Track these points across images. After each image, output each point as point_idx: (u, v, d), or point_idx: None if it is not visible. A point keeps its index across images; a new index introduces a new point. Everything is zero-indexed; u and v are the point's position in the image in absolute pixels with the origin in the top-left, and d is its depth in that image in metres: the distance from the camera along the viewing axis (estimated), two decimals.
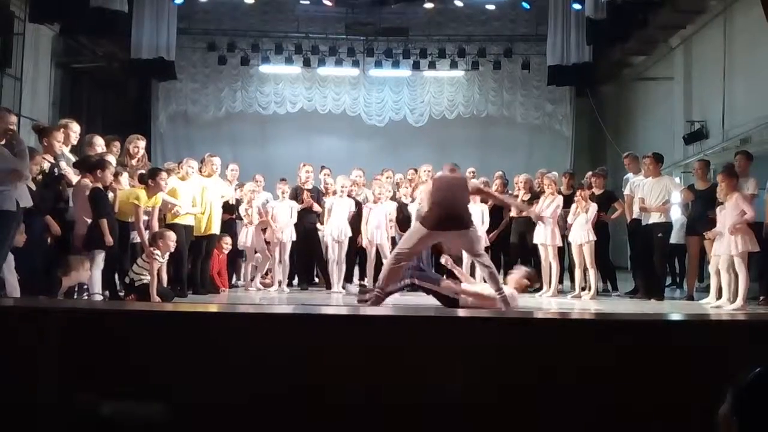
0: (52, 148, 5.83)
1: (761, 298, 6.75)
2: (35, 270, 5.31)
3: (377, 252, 7.63)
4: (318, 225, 8.11)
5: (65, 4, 10.89)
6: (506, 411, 2.70)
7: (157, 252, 6.03)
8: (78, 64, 12.87)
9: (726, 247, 6.25)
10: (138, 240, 6.21)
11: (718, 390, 1.36)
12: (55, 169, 5.79)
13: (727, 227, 6.23)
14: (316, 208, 8.03)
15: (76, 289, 5.60)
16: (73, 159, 6.16)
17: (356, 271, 8.53)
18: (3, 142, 4.59)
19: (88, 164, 5.91)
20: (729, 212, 6.29)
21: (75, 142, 6.14)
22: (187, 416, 2.69)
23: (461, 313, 4.84)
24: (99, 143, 6.55)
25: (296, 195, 8.03)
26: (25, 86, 10.91)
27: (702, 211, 7.05)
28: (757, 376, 1.22)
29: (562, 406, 2.69)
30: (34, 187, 5.40)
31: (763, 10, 4.70)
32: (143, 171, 6.50)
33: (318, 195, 8.22)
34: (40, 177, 5.61)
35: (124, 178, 6.34)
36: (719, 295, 6.47)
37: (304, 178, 8.20)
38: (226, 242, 7.50)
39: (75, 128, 6.06)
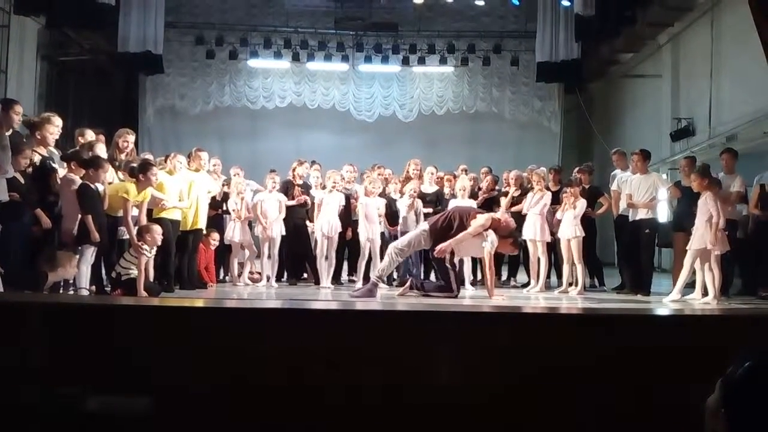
0: (45, 140, 5.76)
1: (763, 294, 6.83)
2: (20, 264, 5.25)
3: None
4: (307, 221, 8.08)
5: None
6: (494, 410, 2.70)
7: (145, 246, 5.99)
8: (64, 57, 12.74)
9: (697, 244, 6.40)
10: (126, 235, 6.15)
11: (706, 384, 1.37)
12: (48, 162, 5.73)
13: (698, 225, 6.39)
14: (307, 201, 7.97)
15: (62, 283, 5.55)
16: (56, 152, 6.09)
17: (345, 266, 8.52)
18: None
19: (78, 159, 5.85)
20: (699, 210, 6.40)
21: (57, 136, 6.07)
22: (173, 411, 2.67)
23: (451, 308, 4.84)
24: (90, 135, 6.49)
25: (287, 190, 7.99)
26: (11, 79, 10.79)
27: (688, 207, 7.10)
28: (746, 370, 1.22)
29: (548, 404, 2.70)
30: (23, 180, 5.34)
31: (750, 9, 4.73)
32: (134, 165, 6.43)
33: (307, 190, 8.19)
34: (30, 170, 5.54)
35: (111, 172, 6.27)
36: (705, 291, 6.54)
37: (301, 174, 8.16)
38: (214, 238, 7.46)
39: (57, 122, 5.98)
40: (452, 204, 7.85)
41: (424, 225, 6.93)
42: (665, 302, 6.48)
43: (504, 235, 6.70)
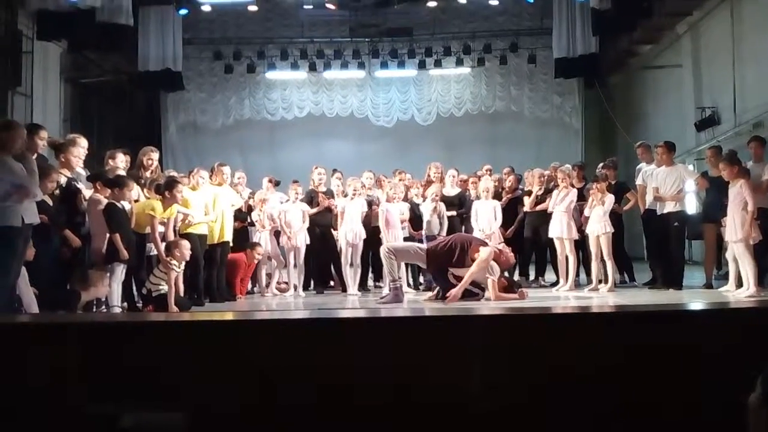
0: (69, 162, 5.87)
1: None
2: (53, 285, 5.34)
3: None
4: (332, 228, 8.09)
5: (72, 21, 11.01)
6: (524, 411, 2.68)
7: (174, 262, 6.05)
8: (86, 79, 13.00)
9: (730, 235, 6.23)
10: (154, 252, 6.23)
11: (745, 379, 1.34)
12: (73, 183, 5.83)
13: (731, 215, 6.21)
14: (334, 207, 7.99)
15: (94, 302, 5.63)
16: (83, 173, 6.20)
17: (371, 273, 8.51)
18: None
19: (104, 179, 5.94)
20: (732, 200, 6.25)
21: (83, 157, 6.18)
22: (207, 426, 2.69)
23: (478, 311, 4.82)
24: (120, 159, 6.59)
25: (311, 199, 8.01)
26: (36, 103, 11.03)
27: (717, 197, 6.97)
28: None
29: (582, 404, 2.66)
30: (50, 203, 5.44)
31: None
32: (159, 182, 6.51)
33: (332, 197, 8.20)
34: (57, 192, 5.64)
35: (136, 190, 6.36)
36: (739, 282, 6.39)
37: (318, 181, 8.19)
38: (259, 252, 7.40)
39: (83, 143, 6.09)
40: (476, 206, 7.82)
41: (423, 245, 7.03)
42: (739, 298, 6.10)
43: (503, 269, 6.75)
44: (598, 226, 7.19)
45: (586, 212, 7.38)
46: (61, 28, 11.23)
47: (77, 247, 5.68)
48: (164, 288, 5.98)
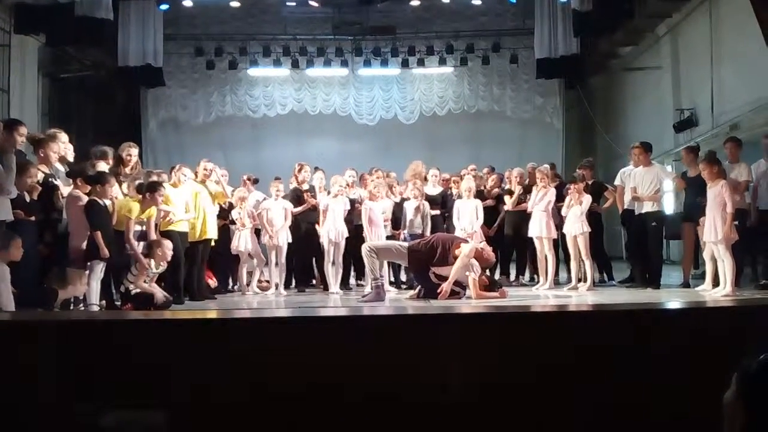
0: (47, 158, 5.79)
1: (763, 281, 6.78)
2: (30, 282, 5.27)
3: None
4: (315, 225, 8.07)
5: (50, 14, 10.85)
6: (504, 410, 2.70)
7: (153, 263, 5.99)
8: (66, 74, 12.80)
9: (708, 235, 6.31)
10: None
11: (722, 377, 1.36)
12: (50, 180, 5.76)
13: (710, 215, 6.28)
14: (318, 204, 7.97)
15: (72, 300, 5.57)
16: (61, 169, 6.11)
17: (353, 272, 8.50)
18: None
19: (84, 175, 5.87)
20: (711, 200, 6.32)
21: (63, 153, 6.10)
22: (189, 424, 2.68)
23: (459, 310, 4.84)
24: (108, 155, 6.51)
25: (297, 197, 7.95)
26: (13, 98, 10.84)
27: (695, 197, 7.07)
28: (763, 363, 1.21)
29: (562, 403, 2.69)
30: (28, 199, 5.36)
31: (751, 3, 4.73)
32: (140, 179, 6.43)
33: (315, 194, 8.17)
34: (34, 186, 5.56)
35: (115, 187, 6.28)
36: (715, 282, 6.48)
37: (302, 179, 8.15)
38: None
39: (63, 138, 6.02)
40: (458, 205, 7.85)
41: (405, 243, 7.10)
42: (715, 298, 6.19)
43: (483, 266, 6.84)
44: (576, 226, 7.26)
45: (563, 212, 7.44)
46: (39, 22, 11.06)
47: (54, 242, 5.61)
48: (143, 285, 5.94)
